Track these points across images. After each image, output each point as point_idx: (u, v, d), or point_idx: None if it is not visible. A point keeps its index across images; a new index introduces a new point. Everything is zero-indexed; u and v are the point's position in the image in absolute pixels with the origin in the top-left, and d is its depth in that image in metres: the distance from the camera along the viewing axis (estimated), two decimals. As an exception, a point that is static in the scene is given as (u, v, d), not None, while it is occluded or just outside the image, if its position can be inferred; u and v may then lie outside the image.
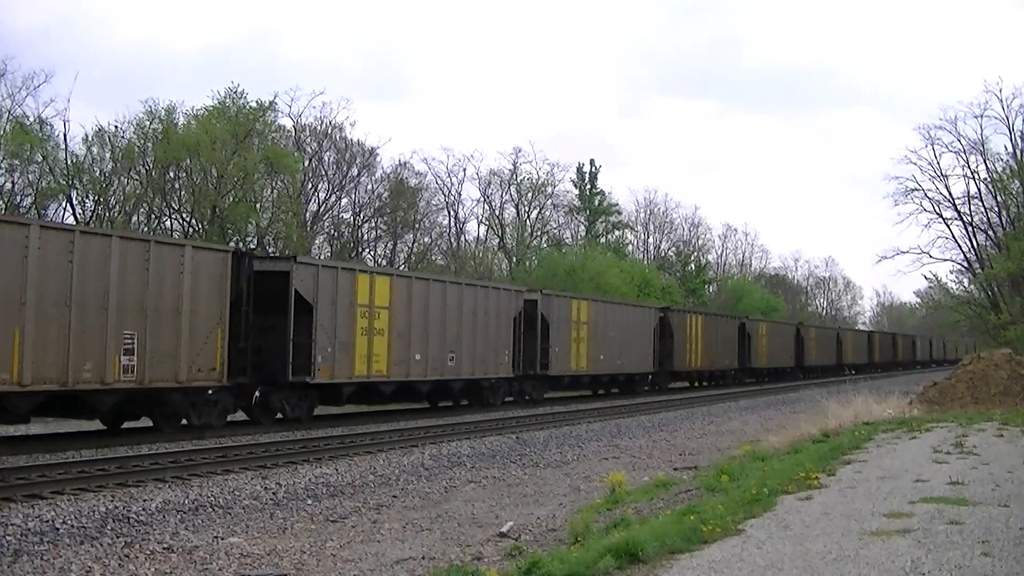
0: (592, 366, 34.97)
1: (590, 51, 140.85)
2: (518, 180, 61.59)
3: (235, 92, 41.41)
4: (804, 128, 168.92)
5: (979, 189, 52.45)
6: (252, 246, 39.81)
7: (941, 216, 52.96)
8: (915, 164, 52.64)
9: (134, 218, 39.56)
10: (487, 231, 62.03)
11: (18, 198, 36.75)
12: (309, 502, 13.13)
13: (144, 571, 9.16)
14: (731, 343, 48.58)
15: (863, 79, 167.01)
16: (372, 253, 51.71)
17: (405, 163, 55.07)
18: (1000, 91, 50.09)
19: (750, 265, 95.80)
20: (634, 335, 38.31)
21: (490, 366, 28.37)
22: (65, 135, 37.63)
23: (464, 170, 66.80)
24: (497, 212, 61.63)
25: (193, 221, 39.78)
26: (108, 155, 39.51)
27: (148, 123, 39.56)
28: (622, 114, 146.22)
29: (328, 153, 48.71)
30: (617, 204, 68.87)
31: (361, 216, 50.51)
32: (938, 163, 52.42)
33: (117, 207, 39.17)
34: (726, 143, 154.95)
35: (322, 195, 48.37)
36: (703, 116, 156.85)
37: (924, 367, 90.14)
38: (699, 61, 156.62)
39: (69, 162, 37.70)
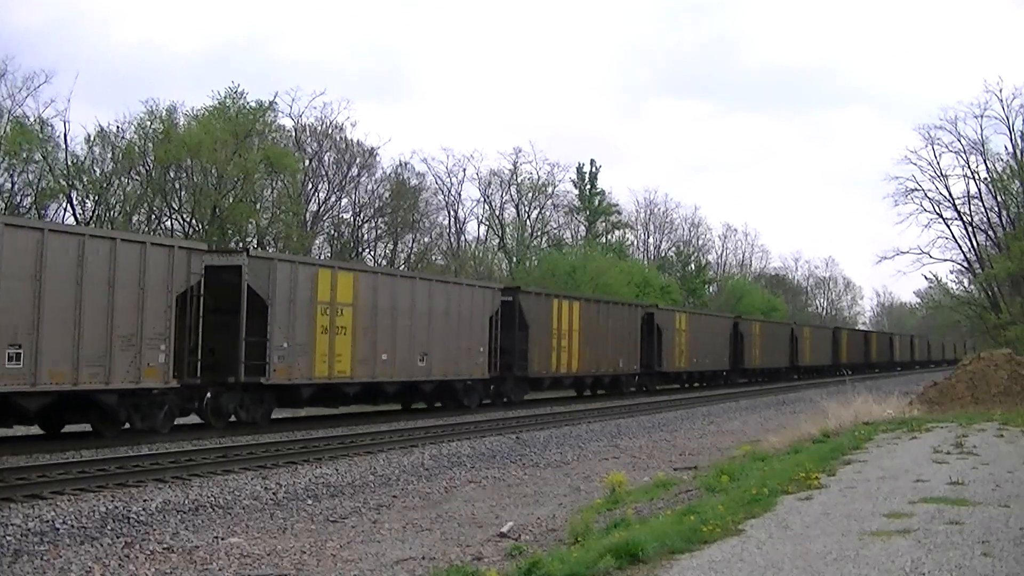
0: (361, 370, 23.25)
1: (589, 52, 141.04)
2: (518, 180, 61.65)
3: (235, 92, 41.50)
4: (804, 128, 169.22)
5: (979, 189, 52.60)
6: (253, 245, 39.88)
7: (941, 216, 53.09)
8: (915, 164, 52.81)
9: (135, 218, 39.60)
10: (487, 231, 62.11)
11: (18, 198, 36.80)
12: (309, 502, 13.13)
13: (144, 571, 9.16)
14: (629, 339, 37.86)
15: (862, 79, 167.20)
16: (372, 253, 51.76)
17: (405, 163, 55.16)
18: (1000, 91, 50.27)
19: (750, 265, 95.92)
20: (456, 326, 27.07)
21: (121, 370, 17.36)
22: (65, 135, 37.69)
23: (464, 170, 66.89)
24: (497, 212, 61.69)
25: (193, 221, 39.79)
26: (109, 155, 39.55)
27: (149, 123, 39.61)
28: (622, 114, 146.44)
29: (328, 153, 48.77)
30: (617, 204, 68.96)
31: (361, 216, 50.55)
32: (938, 163, 52.56)
33: (117, 207, 39.19)
34: (726, 143, 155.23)
35: (322, 195, 48.44)
36: (702, 116, 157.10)
37: (906, 369, 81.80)
38: (698, 61, 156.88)
39: (69, 162, 37.72)
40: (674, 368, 42.04)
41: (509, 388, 30.75)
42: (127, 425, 18.19)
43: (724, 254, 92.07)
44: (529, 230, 62.04)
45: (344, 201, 49.67)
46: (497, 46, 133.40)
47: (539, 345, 31.45)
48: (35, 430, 18.25)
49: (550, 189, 62.61)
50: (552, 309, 32.50)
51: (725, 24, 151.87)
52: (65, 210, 37.98)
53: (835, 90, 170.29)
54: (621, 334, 37.01)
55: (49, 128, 37.59)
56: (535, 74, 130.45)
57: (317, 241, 47.64)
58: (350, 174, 49.22)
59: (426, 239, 55.25)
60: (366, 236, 51.74)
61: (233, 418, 20.82)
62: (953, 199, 52.85)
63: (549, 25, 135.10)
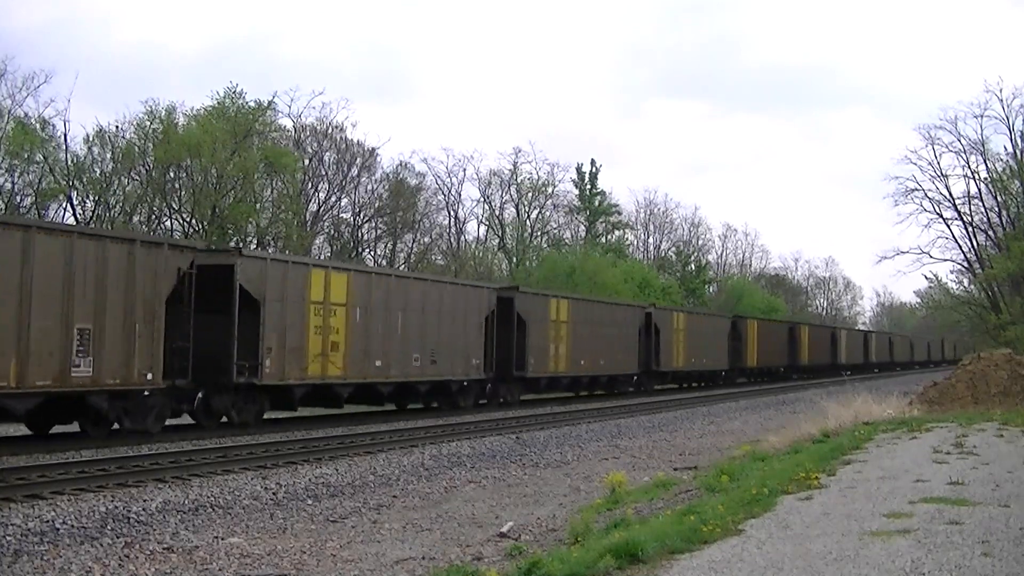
0: (574, 367, 33.73)
1: (589, 52, 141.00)
2: (518, 180, 61.67)
3: (234, 92, 41.49)
4: (803, 128, 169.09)
5: (979, 189, 52.64)
6: (252, 245, 39.88)
7: (941, 216, 53.14)
8: (915, 164, 52.87)
9: (135, 218, 39.59)
10: (487, 231, 62.11)
11: (18, 198, 36.80)
12: (309, 502, 13.12)
13: (144, 571, 9.16)
14: (720, 342, 46.66)
15: (862, 79, 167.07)
16: (372, 253, 51.76)
17: (405, 163, 55.15)
18: (1000, 91, 50.30)
19: (750, 265, 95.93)
20: (618, 337, 36.40)
21: (464, 368, 27.47)
22: (65, 135, 37.70)
23: (464, 170, 66.69)
24: (497, 212, 61.70)
25: (193, 221, 39.78)
26: (108, 155, 39.54)
27: (149, 123, 39.60)
28: (621, 114, 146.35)
29: (328, 153, 48.78)
30: (617, 204, 68.93)
31: (361, 216, 50.56)
32: (938, 163, 52.60)
33: (117, 207, 39.18)
34: (725, 143, 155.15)
35: (322, 195, 48.45)
36: (702, 116, 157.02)
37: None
38: (698, 61, 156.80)
39: (69, 162, 37.72)
40: (750, 365, 50.41)
41: (648, 380, 39.91)
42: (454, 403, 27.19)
43: (724, 254, 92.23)
44: (529, 230, 62.06)
45: (344, 201, 49.74)
46: (497, 46, 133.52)
47: (666, 347, 40.20)
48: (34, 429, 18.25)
49: (550, 189, 62.70)
50: (672, 320, 41.37)
51: (725, 24, 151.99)
52: (65, 210, 38.05)
53: (835, 90, 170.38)
54: (715, 338, 45.82)
55: (49, 128, 37.65)
56: (535, 74, 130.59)
57: (317, 241, 47.65)
58: (350, 174, 49.24)
59: (426, 239, 55.29)
60: (366, 236, 51.79)
61: (502, 400, 29.69)
62: (953, 199, 52.94)
63: (549, 25, 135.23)
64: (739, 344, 48.70)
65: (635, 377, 38.77)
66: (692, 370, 44.02)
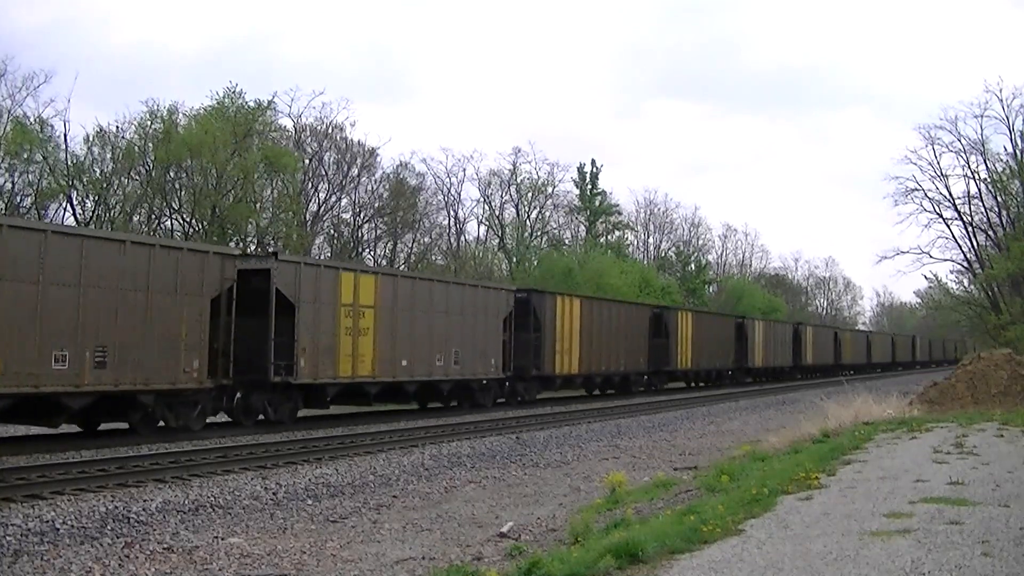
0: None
1: (589, 52, 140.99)
2: (518, 180, 61.64)
3: (233, 92, 41.48)
4: (803, 128, 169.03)
5: (979, 189, 52.70)
6: (253, 245, 39.88)
7: (941, 216, 53.20)
8: (915, 164, 52.98)
9: (135, 218, 39.58)
10: (487, 231, 62.08)
11: (18, 198, 36.78)
12: (309, 502, 13.13)
13: (144, 571, 9.16)
14: (786, 344, 57.73)
15: (862, 79, 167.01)
16: (372, 253, 51.74)
17: (405, 163, 55.12)
18: (1000, 91, 50.44)
19: (750, 265, 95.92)
20: (720, 340, 46.97)
21: (633, 363, 37.61)
22: (65, 135, 37.70)
23: (464, 170, 66.65)
24: (497, 212, 61.68)
25: (193, 221, 39.77)
26: (108, 155, 39.54)
27: (149, 123, 39.59)
28: (621, 115, 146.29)
29: (328, 153, 48.78)
30: (617, 204, 68.88)
31: (361, 216, 50.55)
32: (938, 163, 52.68)
33: (117, 207, 39.17)
34: (725, 144, 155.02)
35: (322, 195, 48.45)
36: (702, 117, 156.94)
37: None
38: (698, 62, 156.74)
39: (69, 162, 37.70)
40: (807, 363, 60.18)
41: (739, 375, 49.82)
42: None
43: (724, 254, 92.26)
44: (529, 230, 62.03)
45: (344, 201, 49.73)
46: (496, 46, 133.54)
47: (755, 349, 51.09)
48: (35, 429, 18.22)
49: (550, 189, 62.68)
50: (755, 327, 51.59)
51: (725, 24, 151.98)
52: (65, 210, 38.03)
53: (835, 90, 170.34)
54: (783, 341, 56.27)
55: (49, 128, 37.64)
56: (535, 74, 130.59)
57: (317, 241, 47.65)
58: (350, 174, 49.23)
59: (426, 239, 55.28)
60: (366, 236, 51.79)
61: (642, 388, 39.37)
62: (953, 199, 53.01)
63: (549, 25, 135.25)
64: (799, 347, 59.19)
65: (729, 372, 47.85)
66: (768, 367, 54.06)
